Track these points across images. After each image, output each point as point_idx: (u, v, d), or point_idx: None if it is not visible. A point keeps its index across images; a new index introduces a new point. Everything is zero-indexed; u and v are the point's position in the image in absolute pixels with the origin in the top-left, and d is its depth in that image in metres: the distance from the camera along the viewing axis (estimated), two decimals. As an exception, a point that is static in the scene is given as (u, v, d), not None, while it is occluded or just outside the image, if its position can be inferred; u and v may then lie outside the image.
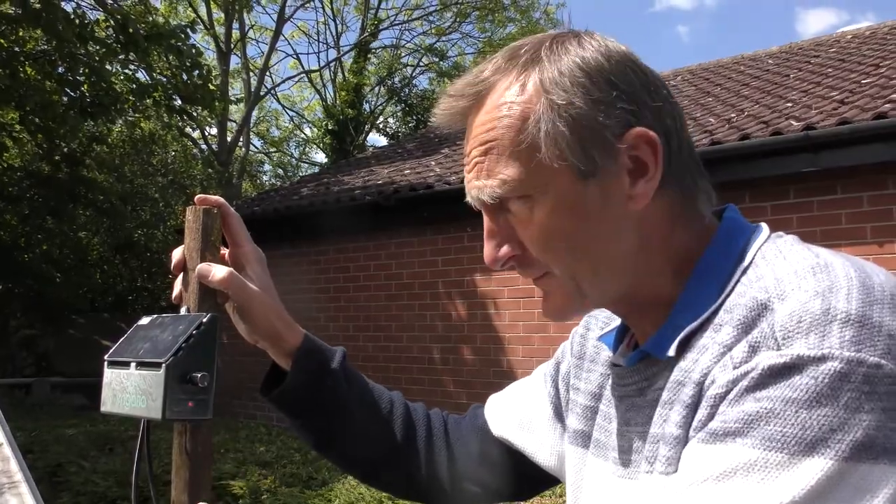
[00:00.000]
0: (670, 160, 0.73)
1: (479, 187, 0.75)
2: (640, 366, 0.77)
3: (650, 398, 0.74)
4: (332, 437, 1.00)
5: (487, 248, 0.78)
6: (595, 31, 0.79)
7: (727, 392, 0.61)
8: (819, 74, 7.74)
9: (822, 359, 0.56)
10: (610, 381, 0.85)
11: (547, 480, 1.02)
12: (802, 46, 10.27)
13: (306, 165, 26.02)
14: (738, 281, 0.69)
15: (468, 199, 0.78)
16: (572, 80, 0.71)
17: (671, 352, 0.70)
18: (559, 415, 0.98)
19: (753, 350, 0.61)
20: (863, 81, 6.53)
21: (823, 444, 0.54)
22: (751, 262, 0.70)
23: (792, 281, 0.62)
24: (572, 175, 0.71)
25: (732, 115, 6.83)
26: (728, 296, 0.68)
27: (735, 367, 0.61)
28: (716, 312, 0.68)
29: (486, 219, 0.78)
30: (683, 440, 0.66)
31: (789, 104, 6.51)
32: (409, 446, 1.03)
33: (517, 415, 1.02)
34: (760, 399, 0.57)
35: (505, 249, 0.76)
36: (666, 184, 0.72)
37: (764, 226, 0.76)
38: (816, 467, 0.54)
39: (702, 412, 0.63)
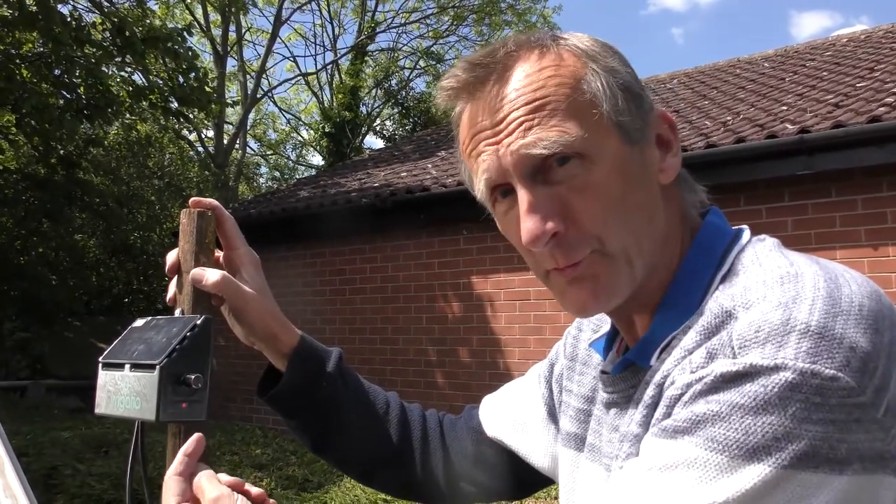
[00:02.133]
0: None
1: (527, 144, 0.69)
2: (626, 374, 0.77)
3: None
4: (329, 438, 1.00)
5: (532, 224, 0.69)
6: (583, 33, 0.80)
7: (682, 394, 0.62)
8: (814, 78, 7.77)
9: (775, 368, 0.56)
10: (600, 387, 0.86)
11: (541, 481, 1.03)
12: (798, 50, 10.30)
13: (303, 168, 26.04)
14: (716, 288, 0.69)
15: (491, 174, 0.72)
16: (606, 52, 0.74)
17: (653, 360, 0.71)
18: (553, 416, 0.98)
19: (711, 357, 0.61)
20: (857, 85, 6.55)
21: (764, 451, 0.55)
22: (729, 269, 0.70)
23: (759, 290, 0.62)
24: (620, 139, 0.71)
25: (728, 118, 6.84)
26: (706, 304, 0.68)
27: (692, 372, 0.62)
28: (693, 318, 0.68)
29: (524, 193, 0.70)
30: (642, 438, 0.67)
31: (784, 107, 6.53)
32: (405, 447, 1.04)
33: (511, 416, 1.03)
34: (710, 402, 0.58)
35: (551, 224, 0.69)
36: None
37: (745, 229, 0.76)
38: (754, 472, 0.54)
39: (659, 411, 0.65)
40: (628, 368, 0.77)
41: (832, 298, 0.58)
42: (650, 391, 0.69)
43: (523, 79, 0.71)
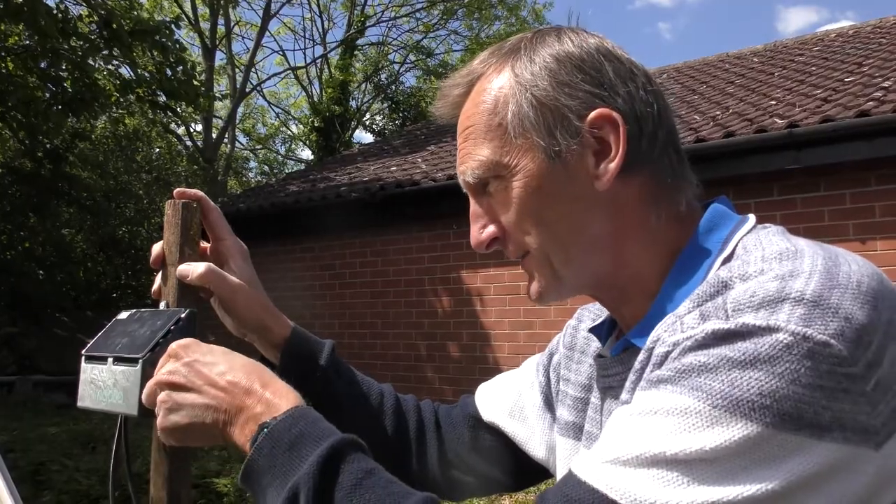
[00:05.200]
0: (641, 144, 0.74)
1: (462, 171, 0.80)
2: (624, 356, 0.77)
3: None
4: None
5: (472, 231, 0.81)
6: (585, 27, 0.81)
7: (670, 351, 0.62)
8: (803, 73, 7.80)
9: (768, 329, 0.56)
10: (595, 372, 0.86)
11: (538, 472, 1.02)
12: (787, 45, 10.34)
13: (292, 162, 25.97)
14: (717, 271, 0.68)
15: (464, 187, 0.82)
16: (541, 66, 0.75)
17: (649, 342, 0.70)
18: (549, 404, 0.98)
19: (703, 318, 0.61)
20: (846, 80, 6.58)
21: (748, 406, 0.54)
22: (732, 252, 0.70)
23: (757, 265, 0.62)
24: (540, 155, 0.74)
25: (717, 112, 6.87)
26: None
27: (682, 332, 0.62)
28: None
29: (471, 204, 0.81)
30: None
31: (773, 102, 6.55)
32: (399, 437, 1.03)
33: (508, 402, 1.02)
34: (698, 355, 0.58)
35: (487, 233, 0.79)
36: (637, 166, 0.74)
37: (751, 216, 0.76)
38: (735, 426, 0.54)
39: (648, 371, 0.65)
40: (626, 350, 0.77)
41: (829, 273, 0.59)
42: (640, 356, 0.69)
43: (468, 106, 0.80)
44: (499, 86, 0.77)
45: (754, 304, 0.58)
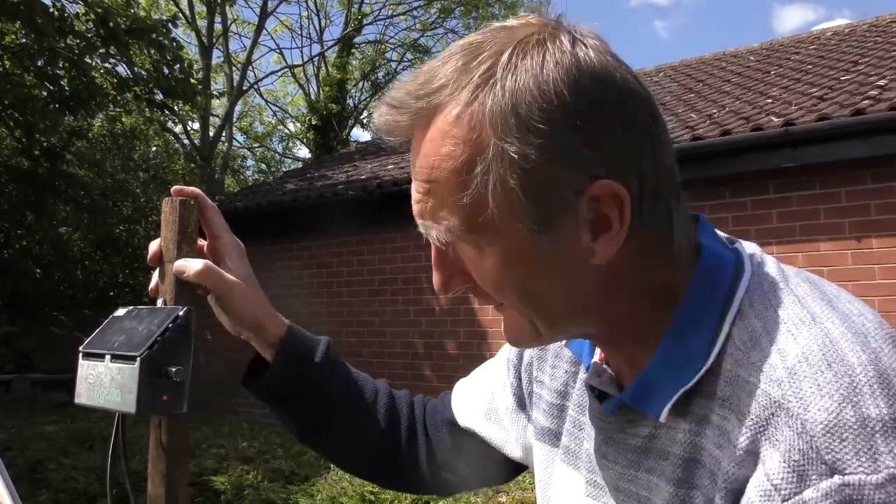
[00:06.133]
0: (642, 207, 0.64)
1: (423, 225, 0.69)
2: (622, 413, 0.72)
3: (632, 443, 0.71)
4: (316, 428, 0.99)
5: (436, 278, 0.72)
6: (576, 23, 0.68)
7: None
8: (799, 71, 7.82)
9: (890, 480, 0.52)
10: (579, 388, 0.83)
11: (521, 467, 1.01)
12: (783, 43, 10.36)
13: (289, 161, 25.93)
14: (728, 335, 0.63)
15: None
16: (528, 123, 0.60)
17: (663, 417, 0.66)
18: (522, 405, 0.96)
19: (800, 477, 0.55)
20: (842, 78, 6.60)
21: None
22: (738, 311, 0.64)
23: (807, 375, 0.57)
24: (523, 228, 0.63)
25: (714, 111, 6.87)
26: (721, 354, 0.63)
27: (784, 500, 0.55)
28: (709, 373, 0.63)
29: (433, 248, 0.71)
30: (665, 492, 0.66)
31: (770, 100, 6.57)
32: (391, 437, 1.03)
33: (483, 405, 1.01)
34: None
35: (457, 281, 0.71)
36: (636, 229, 0.64)
37: (742, 250, 0.70)
38: None
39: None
40: (623, 409, 0.72)
41: (882, 376, 0.56)
42: (678, 460, 0.65)
43: (428, 143, 0.66)
44: (469, 136, 0.62)
45: (847, 447, 0.54)
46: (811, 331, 0.59)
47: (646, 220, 0.64)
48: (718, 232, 0.74)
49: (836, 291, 0.65)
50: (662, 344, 0.66)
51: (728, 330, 0.63)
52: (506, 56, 0.63)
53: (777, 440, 0.56)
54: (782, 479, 0.55)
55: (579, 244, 0.63)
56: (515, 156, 0.61)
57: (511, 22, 0.67)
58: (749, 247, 0.72)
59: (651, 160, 0.64)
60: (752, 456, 0.58)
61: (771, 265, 0.68)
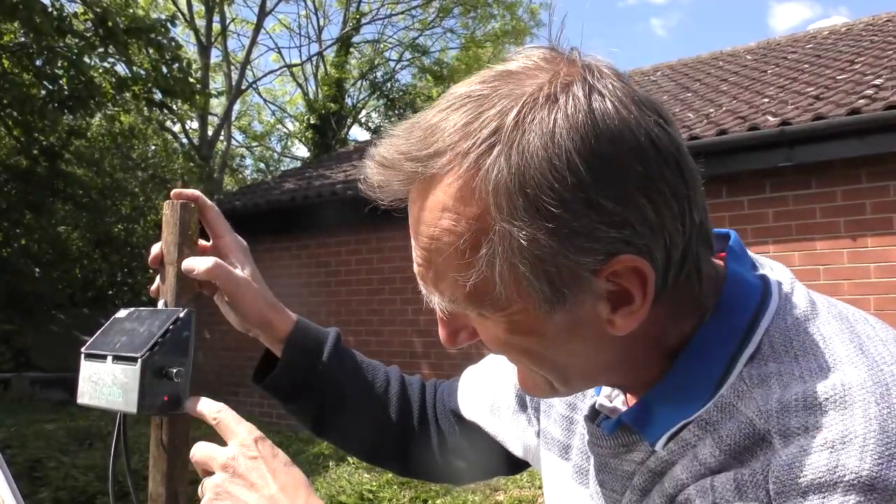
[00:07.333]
0: (668, 277, 0.59)
1: (425, 289, 0.64)
2: (618, 433, 0.70)
3: (626, 469, 0.69)
4: (329, 419, 1.00)
5: (442, 333, 0.67)
6: (591, 56, 0.60)
7: None
8: (795, 70, 7.83)
9: None
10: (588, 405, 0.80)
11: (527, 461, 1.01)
12: (779, 42, 10.37)
13: (288, 160, 25.89)
14: (740, 373, 0.60)
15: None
16: (537, 204, 0.53)
17: (659, 446, 0.63)
18: (523, 406, 0.96)
19: (739, 492, 0.54)
20: (838, 77, 6.61)
21: None
22: (757, 349, 0.60)
23: (799, 415, 0.54)
24: (535, 305, 0.58)
25: (711, 110, 6.89)
26: (730, 387, 0.60)
27: (714, 501, 0.55)
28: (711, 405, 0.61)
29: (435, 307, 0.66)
30: None
31: (766, 100, 6.58)
32: (403, 424, 1.03)
33: (489, 398, 1.00)
34: None
35: (464, 336, 0.66)
36: (662, 294, 0.59)
37: (771, 280, 0.64)
38: None
39: None
40: (621, 427, 0.69)
41: (886, 434, 0.51)
42: (651, 485, 0.65)
43: (427, 217, 0.59)
44: (473, 213, 0.56)
45: (801, 487, 0.51)
46: (825, 375, 0.56)
47: (671, 284, 0.59)
48: (750, 253, 0.70)
49: (871, 332, 0.59)
50: (671, 371, 0.63)
51: (740, 370, 0.60)
52: (511, 118, 0.55)
53: (743, 472, 0.55)
54: (725, 488, 0.55)
55: (597, 317, 0.59)
56: (524, 241, 0.54)
57: (518, 64, 0.60)
58: (779, 272, 0.67)
59: (679, 225, 0.57)
60: (713, 474, 0.58)
61: (800, 297, 0.63)
